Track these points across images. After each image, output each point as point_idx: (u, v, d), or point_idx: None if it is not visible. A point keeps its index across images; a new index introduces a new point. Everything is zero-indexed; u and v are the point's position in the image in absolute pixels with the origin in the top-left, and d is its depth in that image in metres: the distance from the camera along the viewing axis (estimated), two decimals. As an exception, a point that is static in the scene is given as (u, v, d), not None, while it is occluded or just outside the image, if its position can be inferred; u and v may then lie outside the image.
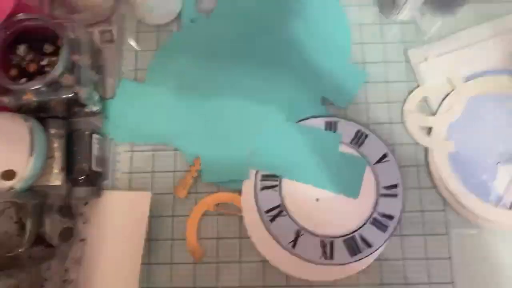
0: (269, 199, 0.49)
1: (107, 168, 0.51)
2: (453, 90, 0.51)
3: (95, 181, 0.49)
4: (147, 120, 0.51)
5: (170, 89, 0.51)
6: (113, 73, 0.53)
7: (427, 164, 0.50)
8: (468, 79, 0.51)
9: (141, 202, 0.47)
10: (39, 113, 0.47)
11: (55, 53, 0.45)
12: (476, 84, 0.51)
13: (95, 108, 0.49)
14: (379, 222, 0.47)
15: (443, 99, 0.51)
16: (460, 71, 0.51)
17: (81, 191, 0.47)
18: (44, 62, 0.45)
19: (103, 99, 0.51)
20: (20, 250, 0.42)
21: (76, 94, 0.44)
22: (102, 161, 0.50)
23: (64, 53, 0.43)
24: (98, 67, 0.50)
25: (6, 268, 0.44)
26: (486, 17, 0.53)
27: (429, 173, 0.49)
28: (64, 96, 0.44)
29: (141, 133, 0.51)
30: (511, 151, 0.49)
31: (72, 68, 0.45)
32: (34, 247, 0.45)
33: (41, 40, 0.46)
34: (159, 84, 0.52)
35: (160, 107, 0.51)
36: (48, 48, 0.47)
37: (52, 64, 0.45)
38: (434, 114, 0.51)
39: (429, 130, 0.50)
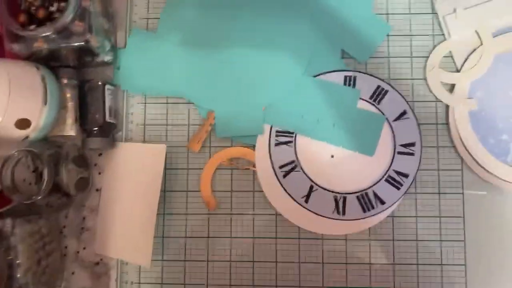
0: (283, 154, 0.48)
1: (120, 119, 0.50)
2: (480, 45, 0.48)
3: (109, 132, 0.49)
4: (160, 72, 0.49)
5: (182, 39, 0.49)
6: (124, 22, 0.51)
7: (447, 122, 0.48)
8: (497, 33, 0.48)
9: (156, 154, 0.47)
10: (50, 62, 0.46)
11: (65, -2, 0.43)
12: (505, 39, 0.48)
13: (107, 58, 0.48)
14: (393, 179, 0.47)
15: (469, 54, 0.48)
16: (490, 25, 0.48)
17: (95, 142, 0.47)
18: (53, 8, 0.43)
19: (114, 49, 0.49)
20: (37, 198, 0.43)
21: (87, 42, 0.43)
22: (116, 112, 0.49)
23: (73, -2, 0.41)
24: (109, 15, 0.48)
25: (26, 214, 0.45)
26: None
27: (449, 132, 0.48)
28: (75, 44, 0.43)
29: (153, 84, 0.50)
30: (534, 112, 0.47)
31: (82, 15, 0.43)
32: (51, 196, 0.46)
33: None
34: (171, 34, 0.50)
35: (172, 58, 0.49)
36: (57, -7, 0.44)
37: (62, 10, 0.43)
38: (458, 70, 0.48)
39: (452, 87, 0.48)
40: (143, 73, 0.50)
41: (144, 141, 0.50)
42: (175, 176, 0.49)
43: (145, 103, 0.50)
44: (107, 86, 0.48)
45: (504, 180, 0.47)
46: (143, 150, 0.48)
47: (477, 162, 0.47)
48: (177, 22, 0.50)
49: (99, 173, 0.50)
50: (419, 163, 0.47)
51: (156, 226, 0.48)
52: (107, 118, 0.47)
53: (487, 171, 0.47)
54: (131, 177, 0.48)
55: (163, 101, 0.50)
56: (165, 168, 0.49)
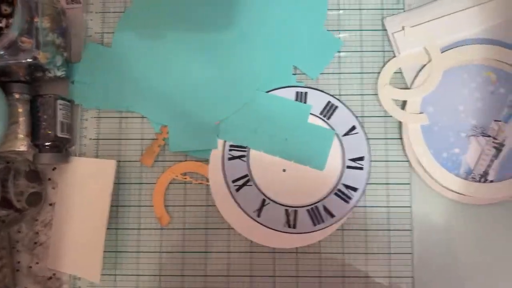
0: (237, 168, 0.49)
1: (74, 134, 0.50)
2: (429, 61, 0.49)
3: (62, 147, 0.49)
4: (114, 86, 0.50)
5: (137, 54, 0.50)
6: (79, 37, 0.51)
7: (398, 137, 0.49)
8: (445, 49, 0.49)
9: (106, 169, 0.47)
10: (1, 77, 0.46)
11: (13, 14, 0.43)
12: (452, 54, 0.49)
13: (59, 73, 0.48)
14: (343, 193, 0.48)
15: (419, 70, 0.50)
16: (437, 41, 0.49)
17: (46, 157, 0.47)
18: (1, 24, 0.43)
19: (68, 63, 0.50)
20: (-14, 214, 0.43)
21: (35, 58, 0.43)
22: (69, 127, 0.49)
23: (18, 14, 0.41)
24: (61, 30, 0.48)
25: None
26: (469, -16, 0.50)
27: (402, 147, 0.49)
28: (23, 61, 0.43)
29: (108, 99, 0.50)
30: (483, 124, 0.48)
31: (30, 31, 0.43)
32: (2, 211, 0.46)
33: (-2, 0, 0.44)
34: (126, 49, 0.50)
35: (127, 72, 0.50)
36: (6, 9, 0.44)
37: (10, 26, 0.43)
38: (409, 86, 0.50)
39: (404, 103, 0.49)
40: (97, 87, 0.50)
41: (97, 156, 0.50)
42: (128, 191, 0.49)
43: (99, 117, 0.50)
44: (59, 101, 0.48)
45: (457, 193, 0.48)
46: (94, 165, 0.48)
47: (430, 176, 0.48)
48: (131, 37, 0.50)
49: (53, 188, 0.50)
50: (368, 177, 0.48)
51: (108, 241, 0.48)
52: (59, 133, 0.47)
53: (441, 185, 0.48)
54: (83, 192, 0.48)
55: (117, 116, 0.50)
56: (118, 183, 0.49)
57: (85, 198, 0.48)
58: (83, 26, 0.51)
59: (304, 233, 0.47)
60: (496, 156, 0.48)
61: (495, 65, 0.49)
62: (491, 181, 0.48)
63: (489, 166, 0.48)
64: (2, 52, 0.42)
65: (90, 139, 0.50)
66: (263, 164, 0.49)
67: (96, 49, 0.50)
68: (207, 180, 0.49)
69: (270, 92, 0.49)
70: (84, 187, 0.48)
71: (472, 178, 0.48)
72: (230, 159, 0.49)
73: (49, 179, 0.50)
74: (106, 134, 0.50)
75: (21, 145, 0.47)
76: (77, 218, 0.48)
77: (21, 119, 0.47)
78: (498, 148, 0.48)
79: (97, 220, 0.46)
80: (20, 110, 0.47)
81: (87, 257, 0.47)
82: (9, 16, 0.44)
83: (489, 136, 0.48)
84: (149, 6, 0.51)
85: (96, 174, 0.48)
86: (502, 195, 0.47)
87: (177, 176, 0.49)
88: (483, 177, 0.48)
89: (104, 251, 0.48)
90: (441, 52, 0.49)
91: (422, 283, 0.47)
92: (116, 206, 0.49)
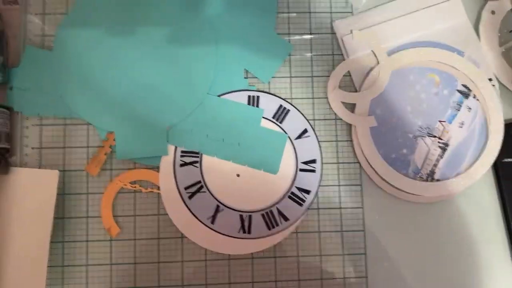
0: (189, 175, 0.48)
1: (14, 143, 0.47)
2: (377, 64, 0.50)
3: (0, 158, 0.46)
4: (56, 91, 0.47)
5: (80, 57, 0.47)
6: (18, 40, 0.48)
7: (349, 139, 0.50)
8: (392, 52, 0.51)
9: (48, 180, 0.44)
10: None
11: None
12: (398, 57, 0.50)
13: (-5, 79, 0.45)
14: (296, 196, 0.48)
15: (367, 73, 0.51)
16: (384, 44, 0.51)
17: (-18, 169, 0.44)
18: None
19: (6, 68, 0.47)
20: None
21: (-36, 63, 0.40)
22: (7, 136, 0.46)
23: None
24: (-4, 32, 0.45)
25: None
26: (413, -11, 0.52)
27: (352, 149, 0.50)
28: (-50, 66, 0.40)
29: (50, 105, 0.47)
30: (429, 125, 0.50)
31: (-43, 34, 0.40)
32: None
33: None
34: (69, 52, 0.48)
35: (70, 77, 0.47)
36: None
37: None
38: (358, 89, 0.50)
39: (353, 105, 0.50)
40: (38, 93, 0.47)
41: (40, 165, 0.47)
42: (74, 202, 0.47)
43: (42, 125, 0.48)
44: (-5, 109, 0.45)
45: (406, 192, 0.49)
46: (35, 176, 0.45)
47: (380, 177, 0.49)
48: (74, 39, 0.48)
49: (-8, 201, 0.47)
50: (320, 179, 0.48)
51: (54, 255, 0.46)
52: (-4, 143, 0.44)
53: (391, 185, 0.49)
54: (25, 204, 0.45)
55: (60, 123, 0.48)
56: (64, 193, 0.47)
57: (26, 211, 0.45)
58: (22, 29, 0.48)
59: (259, 237, 0.47)
60: (441, 156, 0.50)
61: (438, 67, 0.51)
62: (438, 180, 0.49)
63: (435, 165, 0.50)
64: None
65: (32, 148, 0.47)
66: (216, 170, 0.48)
67: (36, 53, 0.48)
68: (158, 188, 0.47)
69: (222, 96, 0.48)
70: (25, 200, 0.45)
71: (420, 177, 0.50)
72: (182, 165, 0.48)
73: (-13, 192, 0.47)
74: (50, 143, 0.47)
75: (-47, 156, 0.43)
76: (19, 232, 0.45)
77: (-47, 129, 0.43)
78: (443, 148, 0.50)
79: (40, 234, 0.44)
80: (-49, 119, 0.43)
81: (30, 273, 0.44)
82: None
83: (434, 136, 0.50)
84: (93, 7, 0.49)
85: (38, 185, 0.45)
86: (447, 193, 0.49)
87: (125, 185, 0.47)
88: (430, 176, 0.49)
89: (50, 266, 0.46)
90: (388, 55, 0.50)
91: (376, 282, 0.48)
92: (62, 218, 0.47)
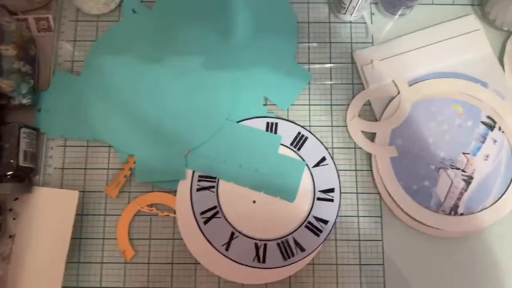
0: (205, 200, 0.48)
1: (38, 163, 0.49)
2: (398, 94, 0.50)
3: (24, 177, 0.47)
4: (81, 115, 0.49)
5: (105, 83, 0.49)
6: (48, 64, 0.50)
7: (369, 169, 0.49)
8: (413, 82, 0.50)
9: (68, 200, 0.45)
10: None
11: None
12: (420, 87, 0.50)
13: (24, 101, 0.47)
14: (313, 226, 0.47)
15: (388, 103, 0.50)
16: (405, 74, 0.50)
17: (6, 187, 0.45)
18: (-35, 51, 0.43)
19: (35, 91, 0.49)
20: None
21: (-3, 86, 0.42)
22: (33, 156, 0.48)
23: (-19, 43, 0.41)
24: (29, 58, 0.47)
25: None
26: (434, 20, 0.52)
27: (372, 179, 0.49)
28: (-15, 88, 0.42)
29: (74, 127, 0.49)
30: (452, 157, 0.49)
31: (-7, 58, 0.42)
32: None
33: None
34: (95, 77, 0.50)
35: (95, 101, 0.49)
36: (-28, 36, 0.44)
37: (-27, 53, 0.42)
38: (378, 118, 0.50)
39: (373, 135, 0.50)
40: (64, 115, 0.49)
41: (62, 185, 0.48)
42: (91, 223, 0.47)
43: (65, 146, 0.49)
44: (23, 129, 0.46)
45: (428, 226, 0.48)
46: (56, 196, 0.46)
47: (401, 209, 0.48)
48: (101, 66, 0.50)
49: (14, 219, 0.48)
50: (338, 209, 0.47)
51: (69, 275, 0.46)
52: (21, 163, 0.46)
53: (411, 217, 0.48)
54: (45, 223, 0.46)
55: (83, 144, 0.49)
56: (82, 214, 0.47)
57: (46, 229, 0.46)
58: (53, 54, 0.51)
59: (274, 268, 0.46)
60: (465, 189, 0.48)
61: (462, 98, 0.50)
62: (462, 214, 0.48)
63: (458, 199, 0.48)
64: (-36, 80, 0.42)
65: (55, 168, 0.49)
66: (233, 195, 0.48)
67: (64, 77, 0.50)
68: (174, 212, 0.47)
69: (240, 122, 0.49)
70: (45, 218, 0.46)
71: (443, 211, 0.48)
72: (198, 190, 0.48)
73: (10, 209, 0.48)
74: (72, 164, 0.49)
75: (-19, 174, 0.45)
76: (37, 250, 0.46)
77: (-17, 148, 0.45)
78: (467, 180, 0.48)
79: (57, 253, 0.44)
80: (-18, 138, 0.45)
81: (44, 293, 0.44)
82: (-26, 43, 0.43)
83: (458, 168, 0.49)
84: (120, 36, 0.51)
85: (58, 205, 0.46)
86: (472, 228, 0.47)
87: (142, 207, 0.47)
88: (453, 210, 0.48)
89: (65, 286, 0.46)
90: (409, 85, 0.50)
91: (395, 319, 0.46)
92: (79, 238, 0.47)
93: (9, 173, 0.46)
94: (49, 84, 0.50)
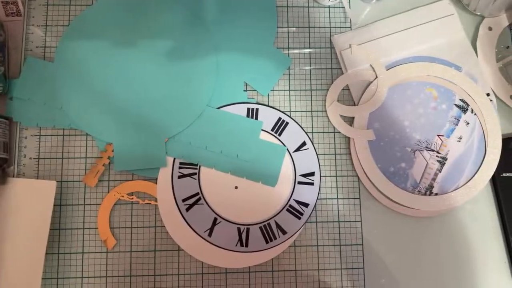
0: (187, 187, 0.47)
1: (12, 153, 0.47)
2: (375, 78, 0.51)
3: (-2, 168, 0.46)
4: (56, 102, 0.47)
5: (81, 69, 0.48)
6: (19, 51, 0.48)
7: (347, 152, 0.50)
8: (390, 67, 0.51)
9: (45, 191, 0.44)
10: None
11: None
12: (397, 71, 0.51)
13: (-5, 89, 0.45)
14: (294, 209, 0.47)
15: (366, 87, 0.51)
16: (382, 58, 0.51)
17: (-21, 179, 0.44)
18: None
19: (7, 79, 0.47)
20: None
21: (-35, 74, 0.40)
22: (6, 146, 0.46)
23: None
24: (-2, 44, 0.45)
25: None
26: (411, 5, 0.53)
27: (351, 162, 0.50)
28: (-49, 76, 0.40)
29: (49, 116, 0.47)
30: (427, 139, 0.50)
31: (-41, 44, 0.40)
32: None
33: None
34: (70, 63, 0.48)
35: (70, 88, 0.48)
36: None
37: None
38: (356, 103, 0.51)
39: (352, 119, 0.51)
40: (38, 103, 0.47)
41: (38, 176, 0.47)
42: (70, 213, 0.47)
43: (40, 135, 0.48)
44: (-6, 119, 0.45)
45: (405, 206, 0.49)
46: (32, 187, 0.45)
47: (378, 190, 0.49)
48: (75, 51, 0.48)
49: (-12, 211, 0.47)
50: (319, 192, 0.48)
51: (50, 267, 0.45)
52: (-6, 153, 0.44)
53: (389, 198, 0.49)
54: (22, 215, 0.45)
55: (59, 133, 0.48)
56: (60, 205, 0.47)
57: (23, 221, 0.45)
58: (24, 40, 0.49)
59: (257, 251, 0.47)
60: (440, 170, 0.50)
61: (436, 81, 0.51)
62: (436, 194, 0.49)
63: (433, 179, 0.50)
64: None
65: (30, 158, 0.47)
66: (215, 182, 0.48)
67: (37, 64, 0.48)
68: (156, 200, 0.47)
69: (221, 108, 0.49)
70: (22, 210, 0.45)
71: (418, 191, 0.49)
72: (180, 177, 0.48)
73: (-16, 202, 0.47)
74: (48, 153, 0.47)
75: (-49, 166, 0.43)
76: (15, 242, 0.45)
77: (-49, 139, 0.43)
78: (441, 162, 0.50)
79: (36, 245, 0.43)
80: (-50, 128, 0.44)
81: (25, 284, 0.43)
82: None
83: (433, 150, 0.50)
84: (95, 19, 0.49)
85: (35, 196, 0.45)
86: (446, 207, 0.49)
87: (123, 196, 0.47)
88: (428, 190, 0.49)
89: (46, 278, 0.45)
90: (386, 70, 0.51)
91: (374, 297, 0.48)
92: (58, 229, 0.46)
93: (-18, 164, 0.44)
94: (20, 71, 0.48)
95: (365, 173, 0.49)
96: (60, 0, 0.50)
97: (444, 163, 0.50)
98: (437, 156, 0.50)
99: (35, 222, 0.44)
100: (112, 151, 0.47)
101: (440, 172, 0.50)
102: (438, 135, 0.50)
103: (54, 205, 0.44)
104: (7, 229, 0.45)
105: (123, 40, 0.49)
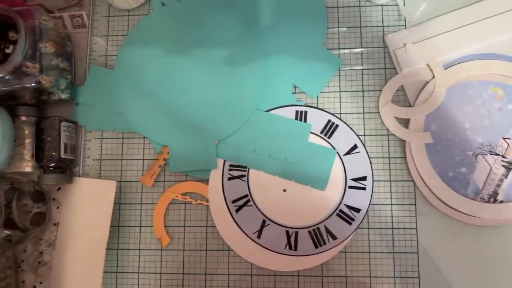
0: (236, 188, 0.48)
1: (77, 154, 0.51)
2: (432, 78, 0.48)
3: (65, 168, 0.49)
4: (116, 107, 0.51)
5: (138, 75, 0.51)
6: (84, 60, 0.52)
7: (402, 156, 0.48)
8: (448, 65, 0.48)
9: (106, 190, 0.47)
10: (8, 101, 0.47)
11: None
12: (456, 70, 0.48)
13: (63, 96, 0.49)
14: (345, 214, 0.46)
15: (422, 88, 0.48)
16: (440, 57, 0.48)
17: (50, 178, 0.48)
18: (9, 50, 0.45)
19: (73, 86, 0.51)
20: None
21: (38, 82, 0.44)
22: (72, 148, 0.50)
23: (22, 40, 0.42)
24: (66, 54, 0.49)
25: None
26: (469, 0, 0.49)
27: (406, 166, 0.48)
28: (27, 85, 0.44)
29: (110, 120, 0.51)
30: (491, 142, 0.47)
31: (34, 56, 0.44)
32: (7, 231, 0.46)
33: (6, 27, 0.46)
34: (128, 70, 0.51)
35: (128, 94, 0.50)
36: (13, 35, 0.46)
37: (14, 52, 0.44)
38: (412, 104, 0.48)
39: (407, 121, 0.48)
40: (100, 109, 0.51)
41: (100, 176, 0.50)
42: (128, 211, 0.49)
43: (102, 138, 0.51)
44: (63, 123, 0.49)
45: (465, 213, 0.46)
46: (95, 186, 0.48)
47: (436, 196, 0.47)
48: (133, 59, 0.51)
49: (57, 208, 0.51)
50: (371, 197, 0.47)
51: (109, 262, 0.48)
52: (63, 155, 0.48)
53: (447, 205, 0.46)
54: (85, 212, 0.49)
55: (119, 136, 0.51)
56: (119, 203, 0.50)
57: (87, 218, 0.48)
58: (88, 50, 0.53)
59: (306, 255, 0.46)
60: (505, 175, 0.46)
61: (501, 80, 0.47)
62: (501, 202, 0.46)
63: (498, 185, 0.46)
64: (8, 77, 0.44)
65: (93, 159, 0.51)
66: (263, 184, 0.48)
67: (99, 72, 0.52)
68: (207, 201, 0.48)
69: (269, 111, 0.49)
70: (86, 207, 0.49)
71: (481, 198, 0.46)
72: (230, 179, 0.48)
73: (54, 199, 0.51)
74: (109, 155, 0.51)
75: (27, 166, 0.48)
76: (79, 238, 0.48)
77: (27, 141, 0.48)
78: (508, 167, 0.46)
79: (98, 240, 0.47)
80: (26, 132, 0.48)
81: (87, 277, 0.47)
82: (16, 42, 0.45)
83: (497, 154, 0.47)
84: (150, 29, 0.52)
85: (97, 195, 0.48)
86: (513, 216, 0.45)
87: (177, 196, 0.48)
88: (492, 197, 0.46)
89: (105, 272, 0.48)
90: (444, 69, 0.48)
91: (430, 308, 0.45)
92: (117, 226, 0.49)
93: (52, 164, 0.48)
94: (85, 79, 0.52)
95: (421, 178, 0.47)
96: (120, 11, 0.53)
97: (511, 169, 0.46)
98: (502, 160, 0.46)
99: (97, 219, 0.47)
100: (168, 153, 0.49)
101: (506, 178, 0.46)
102: (504, 138, 0.47)
103: (114, 203, 0.47)
104: (73, 223, 0.49)
105: (177, 48, 0.51)
